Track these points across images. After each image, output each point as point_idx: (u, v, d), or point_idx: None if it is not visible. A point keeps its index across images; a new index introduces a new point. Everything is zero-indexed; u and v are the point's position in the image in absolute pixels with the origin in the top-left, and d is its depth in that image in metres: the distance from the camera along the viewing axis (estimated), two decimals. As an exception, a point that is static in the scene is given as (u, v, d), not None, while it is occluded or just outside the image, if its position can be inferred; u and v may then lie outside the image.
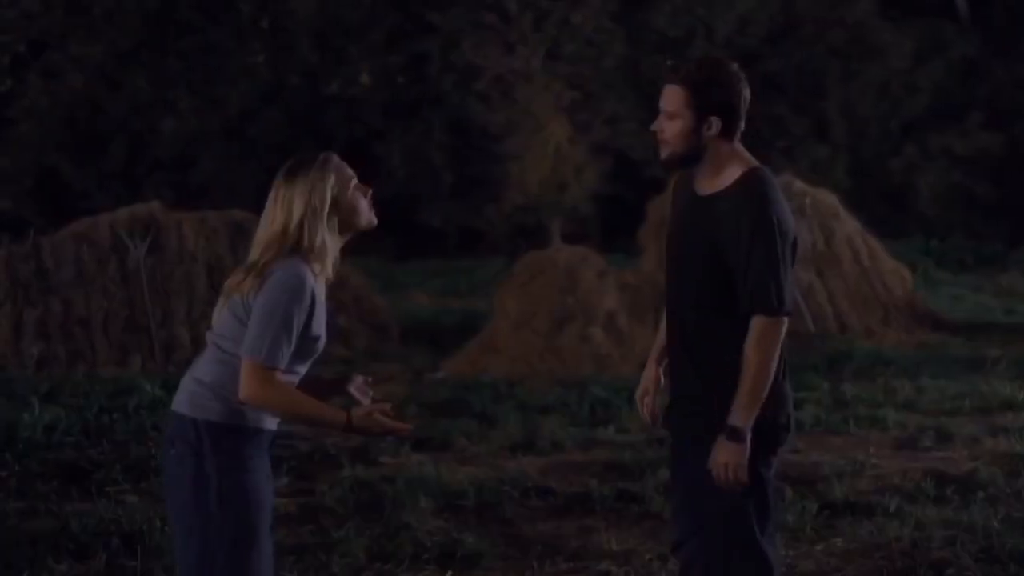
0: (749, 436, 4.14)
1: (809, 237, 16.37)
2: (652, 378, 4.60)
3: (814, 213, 16.51)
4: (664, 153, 4.32)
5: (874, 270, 16.46)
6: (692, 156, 4.29)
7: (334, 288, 13.76)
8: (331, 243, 3.91)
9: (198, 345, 14.04)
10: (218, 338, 3.92)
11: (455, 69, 27.84)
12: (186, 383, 3.94)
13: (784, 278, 4.14)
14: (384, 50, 28.10)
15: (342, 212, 3.91)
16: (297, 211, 3.84)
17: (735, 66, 4.29)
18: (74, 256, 13.99)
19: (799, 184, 17.07)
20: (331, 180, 3.90)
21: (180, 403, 3.92)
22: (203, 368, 3.93)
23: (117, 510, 7.08)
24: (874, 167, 30.23)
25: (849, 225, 16.74)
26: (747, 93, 4.28)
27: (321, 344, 3.96)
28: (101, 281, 13.98)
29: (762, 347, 4.14)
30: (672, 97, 4.24)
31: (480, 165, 27.98)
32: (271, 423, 3.96)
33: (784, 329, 4.18)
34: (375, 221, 4.06)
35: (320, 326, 3.91)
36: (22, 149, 26.38)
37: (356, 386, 4.20)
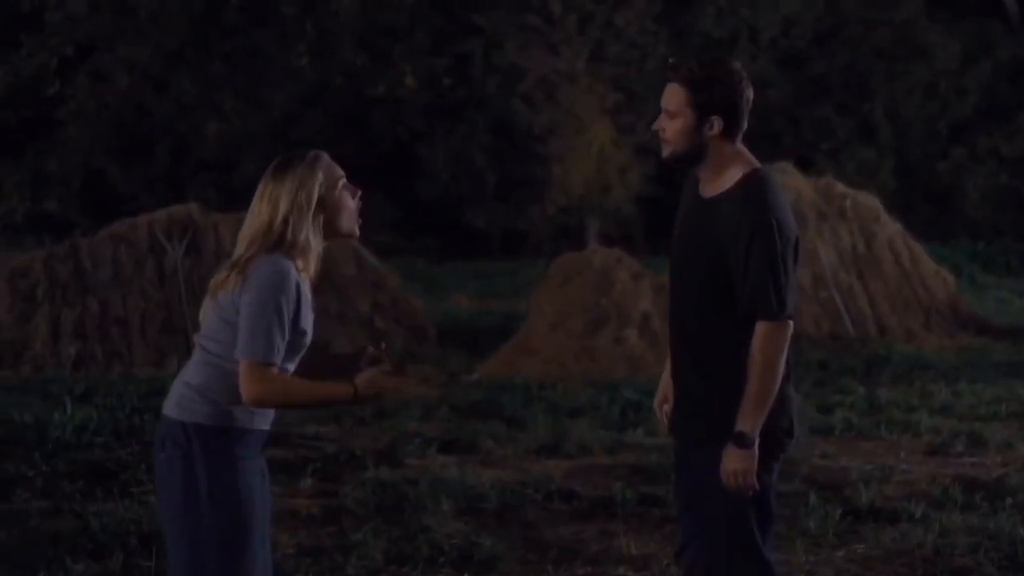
0: (757, 442, 4.11)
1: (850, 240, 16.27)
2: (670, 386, 4.57)
3: (855, 216, 16.39)
4: (665, 152, 4.29)
5: (915, 273, 16.31)
6: (693, 155, 4.25)
7: (373, 290, 13.82)
8: (315, 242, 3.88)
9: (233, 346, 14.17)
10: (205, 340, 3.90)
11: (499, 71, 27.84)
12: (176, 386, 3.93)
13: (785, 281, 4.09)
14: (428, 52, 28.14)
15: (328, 211, 3.89)
16: (283, 207, 3.82)
17: (737, 65, 4.25)
18: (112, 257, 14.08)
19: (840, 187, 16.97)
20: (319, 178, 3.88)
21: (169, 406, 3.91)
22: (191, 371, 3.92)
23: (138, 510, 7.10)
24: (921, 169, 29.97)
25: (890, 228, 16.60)
26: (749, 93, 4.24)
27: (308, 340, 3.93)
28: (139, 282, 14.06)
29: (766, 352, 4.09)
30: (673, 95, 4.21)
31: (523, 167, 27.97)
32: (261, 423, 3.93)
33: (788, 333, 4.14)
34: (357, 231, 4.03)
35: (307, 321, 3.88)
36: (69, 151, 26.61)
37: (370, 356, 4.15)
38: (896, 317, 15.85)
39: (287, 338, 3.79)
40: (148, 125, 26.66)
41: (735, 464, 4.10)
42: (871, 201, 16.87)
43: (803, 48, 29.43)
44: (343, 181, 3.95)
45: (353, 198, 3.97)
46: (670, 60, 4.32)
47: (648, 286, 13.79)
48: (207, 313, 3.91)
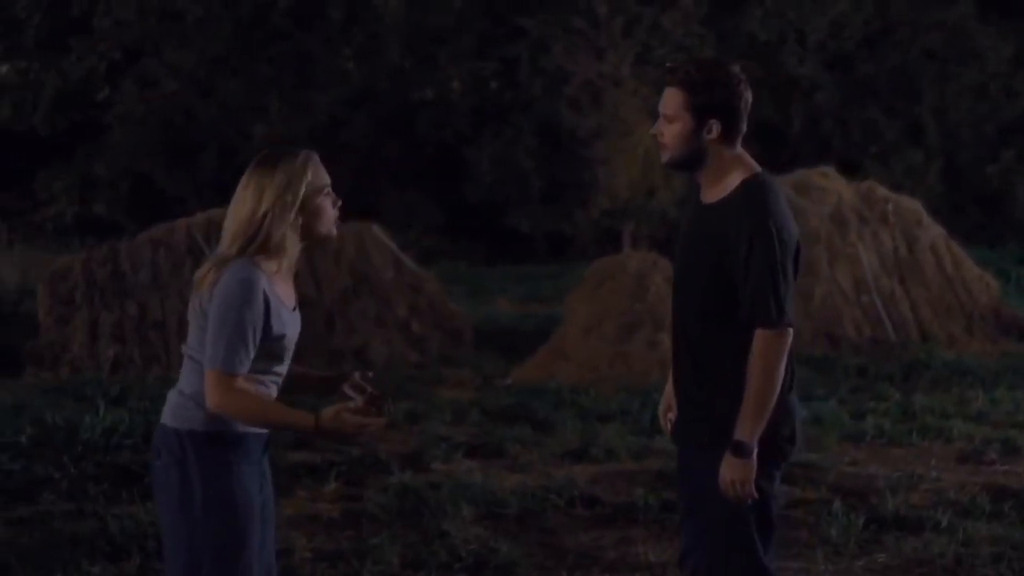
0: (755, 450, 4.06)
1: (891, 244, 16.11)
2: (674, 394, 4.54)
3: (897, 220, 16.23)
4: (664, 157, 4.26)
5: (958, 278, 16.13)
6: (693, 160, 4.21)
7: (410, 293, 13.79)
8: (291, 242, 3.87)
9: (271, 349, 14.21)
10: (190, 349, 3.92)
11: (544, 74, 27.80)
12: (170, 394, 3.96)
13: (783, 288, 4.05)
14: (474, 55, 28.15)
15: (307, 214, 3.88)
16: (267, 201, 3.80)
17: (736, 67, 4.20)
18: (151, 260, 14.16)
19: (882, 190, 16.81)
20: (307, 178, 3.87)
21: (165, 414, 3.94)
22: (183, 379, 3.94)
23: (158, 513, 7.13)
24: (970, 172, 29.66)
25: (933, 231, 16.42)
26: (748, 96, 4.19)
27: (288, 342, 3.92)
28: (177, 285, 14.12)
29: (765, 360, 4.05)
30: (670, 99, 4.17)
31: (569, 170, 27.91)
32: (256, 428, 3.94)
33: (788, 340, 4.09)
34: (334, 233, 4.02)
35: (282, 324, 3.86)
36: (116, 155, 26.83)
37: (351, 384, 4.15)
38: (938, 322, 15.68)
39: (254, 348, 3.79)
40: (195, 129, 26.82)
41: (733, 473, 4.06)
42: (913, 204, 16.69)
43: (851, 50, 29.20)
44: (328, 188, 3.94)
45: (333, 207, 3.96)
46: (668, 64, 4.27)
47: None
48: (190, 321, 3.92)
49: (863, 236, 16.05)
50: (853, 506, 7.51)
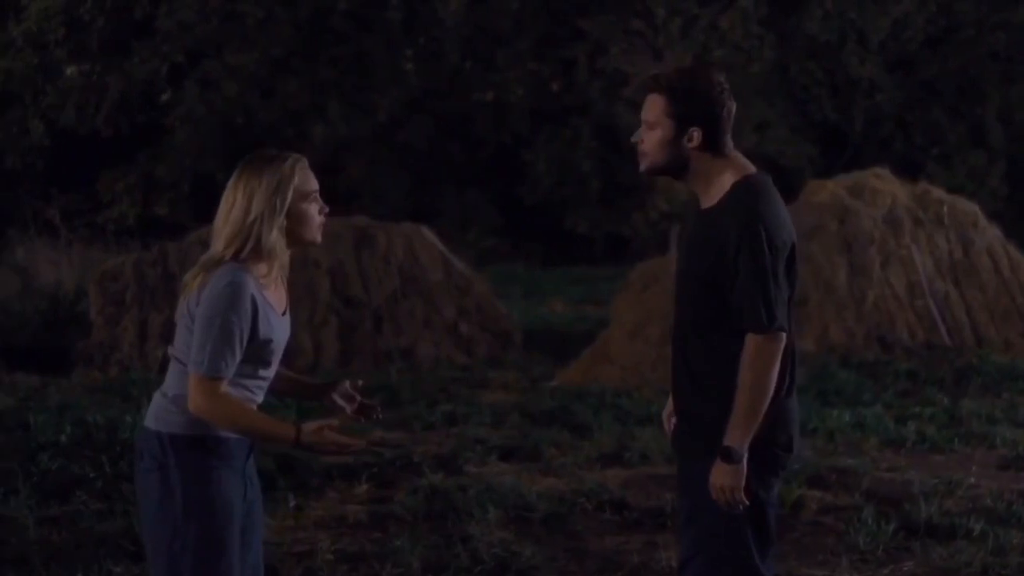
0: (745, 457, 4.02)
1: (946, 247, 15.90)
2: None
3: (952, 222, 16.01)
4: (643, 165, 4.22)
5: (1015, 281, 15.87)
6: (672, 167, 4.17)
7: (459, 295, 13.80)
8: (280, 246, 3.87)
9: (319, 351, 14.28)
10: (175, 351, 3.93)
11: (603, 75, 27.71)
12: (155, 397, 3.97)
13: (774, 293, 3.99)
14: (533, 57, 28.13)
15: (293, 219, 3.88)
16: (258, 205, 3.81)
17: (719, 74, 4.15)
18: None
19: (937, 192, 16.59)
20: (295, 183, 3.88)
21: (148, 417, 3.95)
22: (168, 381, 3.95)
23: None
24: (1034, 174, 29.27)
25: (989, 234, 16.18)
26: (732, 104, 4.14)
27: (276, 347, 3.92)
28: (225, 286, 14.21)
29: (755, 366, 4.00)
30: (651, 106, 4.13)
31: (627, 172, 27.78)
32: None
33: (780, 346, 4.03)
34: (318, 239, 4.02)
35: (269, 329, 3.86)
36: (178, 156, 27.05)
37: (340, 392, 4.16)
38: (994, 326, 15.44)
39: (240, 352, 3.79)
40: (255, 130, 26.97)
41: (722, 479, 4.02)
42: (969, 206, 16.44)
43: (914, 51, 28.87)
44: (315, 194, 3.95)
45: (320, 213, 3.96)
46: (651, 72, 4.25)
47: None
48: (177, 323, 3.93)
49: (917, 238, 15.85)
50: (885, 513, 7.42)
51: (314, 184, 3.95)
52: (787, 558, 6.75)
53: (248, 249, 3.81)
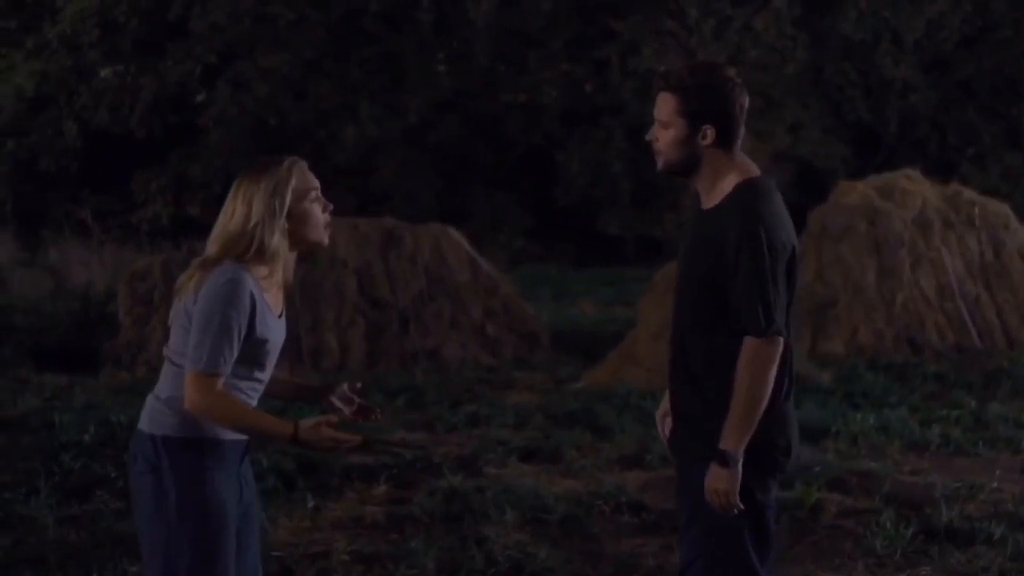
0: (741, 460, 3.99)
1: (977, 248, 15.80)
2: None
3: (983, 224, 15.90)
4: (659, 164, 4.21)
5: (1047, 283, 15.76)
6: (688, 166, 4.16)
7: (486, 296, 13.79)
8: (283, 248, 3.87)
9: (345, 351, 14.30)
10: (170, 352, 3.93)
11: (635, 76, 27.63)
12: (148, 399, 3.97)
13: (773, 296, 3.96)
14: (564, 58, 28.09)
15: (295, 220, 3.88)
16: (257, 210, 3.82)
17: (731, 71, 4.14)
18: (228, 262, 14.29)
19: (968, 193, 16.48)
20: (293, 183, 3.88)
21: (142, 419, 3.95)
22: (160, 383, 3.95)
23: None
24: (1071, 175, 28.99)
25: (1021, 236, 16.06)
26: (744, 100, 4.12)
27: (272, 347, 3.92)
28: (253, 287, 14.26)
29: (752, 369, 3.98)
30: (664, 105, 4.13)
31: (659, 173, 27.70)
32: (233, 434, 3.93)
33: (778, 350, 4.01)
34: (326, 240, 4.02)
35: (266, 329, 3.87)
36: (211, 157, 27.15)
37: (338, 395, 4.16)
38: (1025, 328, 15.35)
39: (236, 351, 3.79)
40: (286, 131, 27.05)
41: (717, 483, 4.00)
42: (1001, 208, 16.32)
43: (949, 51, 28.64)
44: (315, 192, 3.94)
45: (324, 211, 3.96)
46: (661, 69, 4.23)
47: (755, 295, 13.53)
48: (172, 324, 3.93)
49: (948, 240, 15.76)
50: (905, 516, 7.37)
51: (314, 183, 3.95)
52: (803, 561, 6.72)
53: (251, 253, 3.81)
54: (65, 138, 26.87)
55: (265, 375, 3.98)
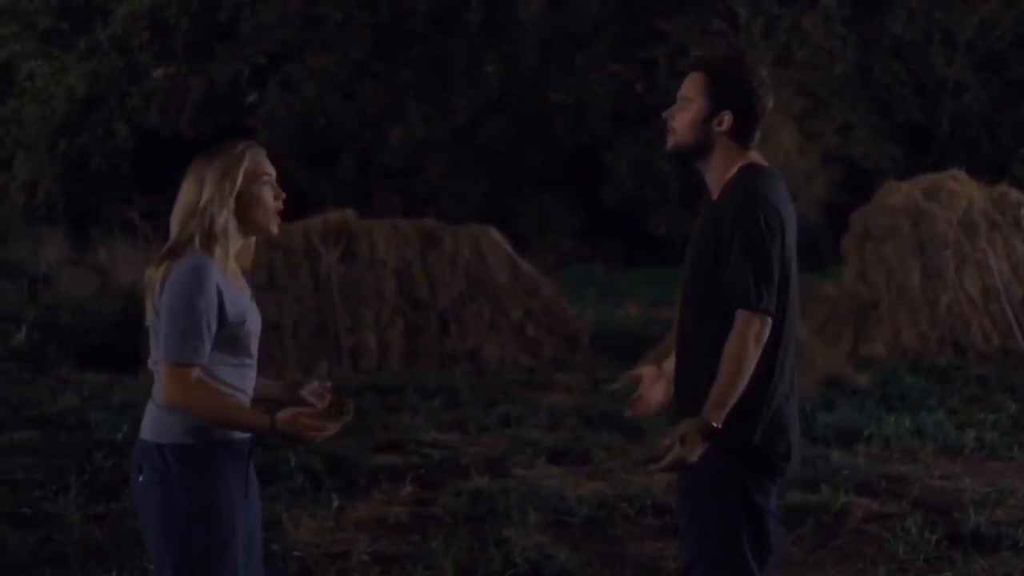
0: (715, 430, 3.89)
1: (1023, 250, 15.61)
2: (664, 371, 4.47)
3: (1030, 224, 15.73)
4: (670, 143, 4.21)
5: (1094, 286, 15.55)
6: (697, 149, 4.15)
7: (526, 297, 13.77)
8: (233, 230, 3.88)
9: (385, 351, 14.33)
10: (152, 360, 3.93)
11: (683, 76, 27.46)
12: (148, 408, 3.95)
13: (765, 275, 3.90)
14: (612, 58, 28.03)
15: (244, 203, 3.88)
16: (208, 189, 3.83)
17: (763, 71, 4.12)
18: (267, 262, 14.38)
19: (1015, 194, 16.29)
20: (245, 166, 3.89)
21: (144, 428, 3.92)
22: (156, 390, 3.93)
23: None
24: (1125, 176, 28.58)
25: (1068, 237, 15.86)
26: (768, 101, 4.12)
27: (251, 328, 3.91)
28: (293, 288, 14.34)
29: (737, 340, 3.89)
30: (691, 83, 4.14)
31: (707, 173, 27.58)
32: (240, 433, 3.93)
33: (766, 328, 3.92)
34: (275, 228, 4.01)
35: (240, 311, 3.85)
36: (261, 157, 27.32)
37: (311, 391, 4.13)
38: (1073, 331, 15.15)
39: (210, 338, 3.78)
40: (334, 132, 27.18)
41: (684, 432, 3.90)
42: (1048, 209, 16.15)
43: (1002, 50, 28.33)
44: (267, 177, 3.95)
45: (275, 198, 3.97)
46: (694, 52, 4.22)
47: (794, 296, 13.45)
48: (151, 329, 3.91)
49: (993, 241, 15.59)
50: (931, 521, 7.29)
51: (267, 168, 3.96)
52: (825, 566, 6.67)
53: (201, 235, 3.81)
54: (116, 139, 27.13)
55: (253, 360, 3.97)
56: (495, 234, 15.70)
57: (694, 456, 3.89)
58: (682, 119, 4.16)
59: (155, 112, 26.99)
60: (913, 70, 27.75)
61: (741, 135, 4.11)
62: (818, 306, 15.28)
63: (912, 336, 14.83)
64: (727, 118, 4.09)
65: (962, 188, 16.12)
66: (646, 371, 4.48)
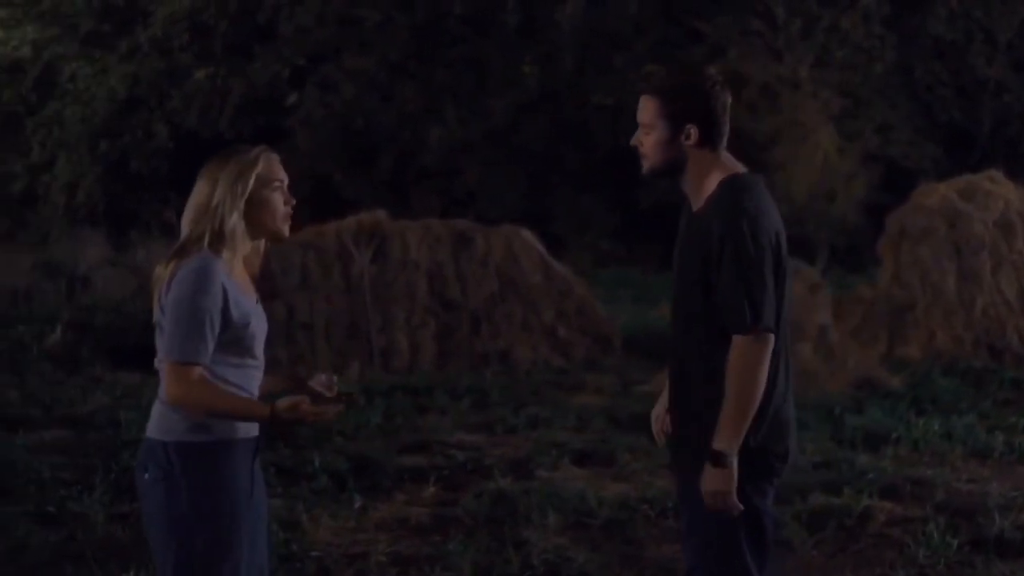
0: (735, 460, 3.93)
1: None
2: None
3: (1052, 229, 15.58)
4: (644, 167, 4.19)
5: (1124, 288, 15.38)
6: (673, 167, 4.13)
7: (559, 298, 13.78)
8: (242, 233, 3.90)
9: (416, 352, 14.36)
10: (159, 359, 3.94)
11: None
12: (155, 406, 3.97)
13: (758, 292, 3.89)
14: (650, 59, 27.96)
15: (255, 207, 3.90)
16: (220, 191, 3.86)
17: (712, 71, 4.11)
18: (300, 262, 14.44)
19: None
20: (258, 170, 3.91)
21: (150, 427, 3.94)
22: (161, 389, 3.95)
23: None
24: None
25: (1106, 239, 15.69)
26: (726, 98, 4.09)
27: (255, 331, 3.92)
28: (325, 288, 14.38)
29: (739, 367, 3.90)
30: (645, 108, 4.11)
31: (744, 175, 27.46)
32: (246, 431, 3.94)
33: (767, 347, 3.91)
34: (285, 232, 4.03)
35: (245, 313, 3.87)
36: (299, 159, 27.42)
37: (319, 382, 4.15)
38: (1105, 335, 15.00)
39: (213, 338, 3.80)
40: (372, 133, 27.28)
41: (713, 484, 3.94)
42: (1086, 211, 15.99)
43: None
44: (279, 183, 3.97)
45: (286, 203, 3.99)
46: (644, 69, 4.21)
47: (825, 299, 13.39)
48: (157, 326, 3.94)
49: (1030, 244, 15.46)
50: (955, 526, 7.22)
51: (280, 174, 3.98)
52: (844, 570, 6.62)
53: (210, 235, 3.84)
54: (156, 140, 27.32)
55: (258, 362, 3.99)
56: (527, 235, 15.70)
57: (732, 496, 3.94)
58: (649, 143, 4.15)
59: (195, 113, 27.18)
60: (953, 70, 27.56)
61: (710, 141, 4.10)
62: (853, 307, 15.19)
63: (947, 338, 14.72)
64: (693, 132, 4.07)
65: (999, 189, 15.99)
66: (656, 413, 4.48)
